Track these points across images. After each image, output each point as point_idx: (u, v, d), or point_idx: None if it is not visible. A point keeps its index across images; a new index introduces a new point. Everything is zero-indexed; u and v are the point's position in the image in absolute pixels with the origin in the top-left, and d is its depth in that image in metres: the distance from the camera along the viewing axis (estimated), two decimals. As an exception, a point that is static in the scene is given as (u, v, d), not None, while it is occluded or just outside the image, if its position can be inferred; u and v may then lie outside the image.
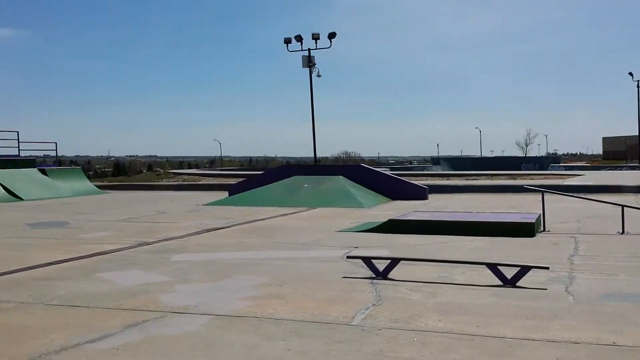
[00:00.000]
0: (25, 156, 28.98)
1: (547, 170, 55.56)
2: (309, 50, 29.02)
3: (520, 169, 51.26)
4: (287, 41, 29.56)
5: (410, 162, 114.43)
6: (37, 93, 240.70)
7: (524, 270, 7.33)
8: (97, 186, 30.60)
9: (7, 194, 24.26)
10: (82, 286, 7.73)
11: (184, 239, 12.22)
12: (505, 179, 30.40)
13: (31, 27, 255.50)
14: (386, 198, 21.77)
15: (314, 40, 29.02)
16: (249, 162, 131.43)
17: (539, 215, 12.69)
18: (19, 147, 28.85)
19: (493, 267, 7.51)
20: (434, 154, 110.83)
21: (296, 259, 9.59)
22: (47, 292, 7.40)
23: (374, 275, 7.86)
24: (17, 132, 28.88)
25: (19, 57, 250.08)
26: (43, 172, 27.95)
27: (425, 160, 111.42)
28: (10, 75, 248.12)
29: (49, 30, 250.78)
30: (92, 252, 10.52)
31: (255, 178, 25.06)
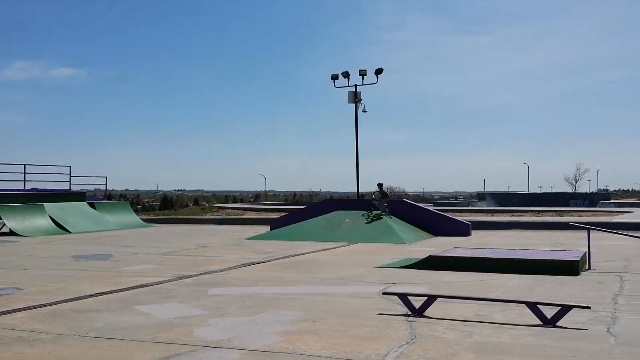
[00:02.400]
0: (76, 190, 29.76)
1: (596, 207, 54.20)
2: (355, 86, 29.25)
3: (568, 206, 50.19)
4: (334, 77, 29.91)
5: (456, 198, 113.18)
6: (91, 128, 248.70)
7: (565, 309, 7.12)
8: (143, 219, 31.14)
9: (55, 227, 24.88)
10: (120, 318, 7.82)
11: (223, 272, 12.30)
12: (552, 215, 29.77)
13: (88, 67, 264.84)
14: (428, 234, 21.55)
15: (360, 77, 29.35)
16: (293, 197, 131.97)
17: (584, 253, 12.37)
18: (70, 181, 29.69)
19: (532, 306, 7.32)
20: (480, 189, 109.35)
21: (333, 294, 9.53)
22: (84, 324, 7.51)
23: (409, 313, 7.75)
24: (70, 166, 29.80)
25: (76, 95, 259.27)
26: (92, 205, 28.63)
27: (470, 195, 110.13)
28: (68, 112, 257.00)
29: (104, 70, 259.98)
30: (132, 285, 10.66)
31: (297, 212, 25.15)
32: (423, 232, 21.62)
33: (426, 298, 7.82)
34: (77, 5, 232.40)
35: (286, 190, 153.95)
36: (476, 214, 32.05)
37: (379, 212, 22.37)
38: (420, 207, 24.79)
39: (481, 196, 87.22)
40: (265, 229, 24.16)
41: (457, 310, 7.93)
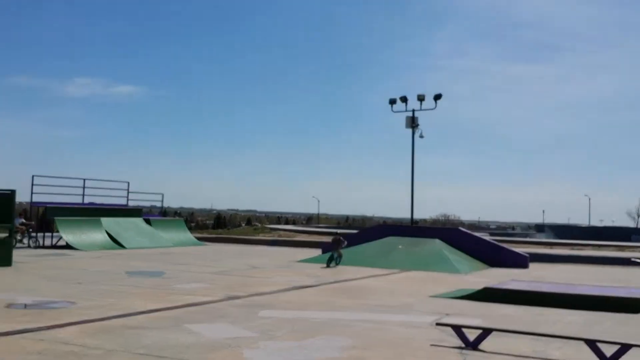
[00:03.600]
0: (133, 206, 30.33)
1: (660, 242, 52.07)
2: (413, 111, 29.09)
3: (630, 240, 48.37)
4: (392, 102, 29.82)
5: (513, 228, 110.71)
6: (149, 145, 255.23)
7: (625, 348, 6.77)
8: (197, 238, 31.47)
9: (111, 241, 25.34)
10: (170, 336, 7.82)
11: (273, 294, 12.23)
12: (613, 250, 28.72)
13: (147, 85, 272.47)
14: (484, 264, 21.04)
15: (418, 102, 29.15)
16: (346, 220, 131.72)
17: (649, 291, 11.81)
18: (127, 197, 30.28)
19: (591, 343, 6.98)
20: (539, 220, 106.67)
21: (384, 322, 9.33)
22: (135, 340, 7.53)
23: (463, 345, 7.49)
24: (128, 182, 30.41)
25: (135, 112, 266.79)
26: (148, 221, 29.08)
27: (528, 226, 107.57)
28: (127, 129, 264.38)
29: (162, 88, 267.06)
30: (184, 303, 10.70)
31: (349, 237, 24.97)
32: (478, 262, 21.12)
33: (481, 331, 7.55)
34: (137, 25, 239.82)
35: (338, 213, 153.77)
36: (534, 245, 31.21)
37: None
38: (476, 236, 24.27)
39: (539, 228, 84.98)
40: (317, 252, 24.05)
41: (513, 345, 7.63)
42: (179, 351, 6.98)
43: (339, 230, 24.97)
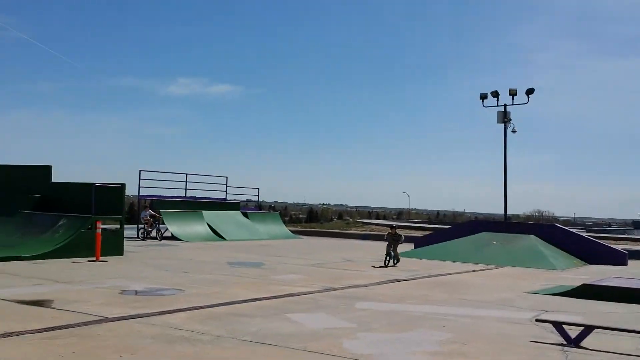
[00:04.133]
0: (231, 200, 31.36)
1: None
2: (505, 105, 28.46)
3: None
4: (483, 97, 29.31)
5: (609, 225, 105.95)
6: (245, 141, 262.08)
7: None
8: (291, 231, 32.13)
9: (212, 233, 26.37)
10: (272, 325, 8.17)
11: (368, 287, 12.44)
12: None
13: (243, 84, 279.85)
14: (580, 261, 20.42)
15: (510, 96, 28.53)
16: (436, 216, 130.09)
17: None
18: (226, 191, 31.32)
19: None
20: (636, 217, 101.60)
21: (482, 317, 9.33)
22: (240, 327, 7.93)
23: (564, 342, 7.41)
24: (226, 177, 31.46)
25: (232, 110, 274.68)
26: (245, 215, 30.02)
27: (625, 223, 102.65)
28: (224, 126, 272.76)
29: (257, 87, 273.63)
30: (283, 293, 11.09)
31: (442, 232, 24.85)
32: (575, 259, 20.52)
33: (583, 328, 7.45)
34: (233, 27, 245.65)
35: (429, 209, 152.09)
36: (633, 242, 29.89)
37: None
38: (572, 232, 23.56)
39: (637, 224, 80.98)
40: (409, 246, 24.06)
41: (615, 342, 7.48)
42: (282, 339, 7.30)
43: (394, 223, 23.42)
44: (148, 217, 24.36)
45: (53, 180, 20.48)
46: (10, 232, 17.92)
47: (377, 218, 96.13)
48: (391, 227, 18.09)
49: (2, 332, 7.20)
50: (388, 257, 17.04)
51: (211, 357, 6.39)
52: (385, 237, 17.57)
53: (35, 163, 21.21)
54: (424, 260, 19.03)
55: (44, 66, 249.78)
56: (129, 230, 22.77)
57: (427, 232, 27.41)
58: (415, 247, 23.33)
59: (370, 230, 37.75)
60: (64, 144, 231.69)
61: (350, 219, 77.93)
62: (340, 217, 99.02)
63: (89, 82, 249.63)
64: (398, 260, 17.19)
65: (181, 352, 6.58)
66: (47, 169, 20.60)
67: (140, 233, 24.62)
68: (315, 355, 6.55)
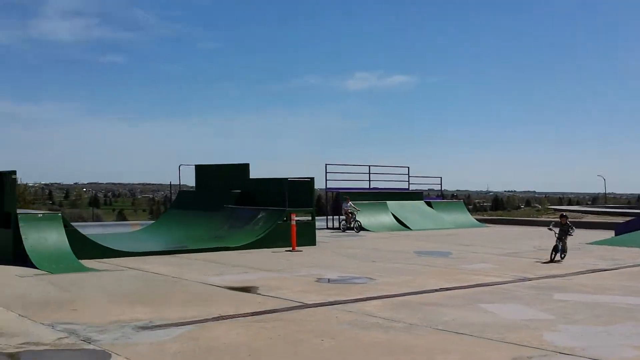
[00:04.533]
0: (413, 189, 31.42)
1: None
2: None
3: None
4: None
5: None
6: (425, 130, 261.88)
7: None
8: (476, 219, 31.47)
9: (397, 223, 26.63)
10: (466, 314, 8.10)
11: (566, 277, 11.85)
12: None
13: (418, 74, 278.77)
14: None
15: None
16: (637, 200, 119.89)
17: None
18: (408, 181, 31.44)
19: None
20: None
21: (699, 311, 8.50)
22: (433, 316, 7.95)
23: None
24: (408, 167, 31.54)
25: (408, 100, 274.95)
26: (429, 204, 29.95)
27: None
28: (402, 116, 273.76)
29: (433, 75, 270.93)
30: (473, 283, 10.93)
31: (646, 218, 22.86)
32: None
33: None
34: (409, 16, 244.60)
35: (628, 192, 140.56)
36: None
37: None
38: None
39: None
40: (608, 234, 22.47)
41: None
42: (477, 329, 7.21)
43: (564, 212, 19.87)
44: (348, 210, 24.91)
45: (250, 176, 21.95)
46: (218, 225, 19.59)
47: (570, 204, 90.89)
48: (561, 215, 15.74)
49: (217, 315, 7.90)
50: (554, 252, 14.34)
51: (406, 345, 6.50)
52: (551, 227, 14.63)
53: (232, 162, 22.88)
54: (627, 248, 17.68)
55: (232, 73, 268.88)
56: (319, 222, 23.63)
57: (628, 218, 25.38)
58: (616, 234, 21.73)
59: (562, 218, 35.79)
60: (258, 141, 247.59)
61: (540, 206, 74.48)
62: (528, 204, 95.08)
63: (276, 85, 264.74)
64: (566, 254, 14.57)
65: (376, 338, 6.77)
66: (245, 167, 22.12)
67: (341, 225, 25.21)
68: (514, 346, 6.40)
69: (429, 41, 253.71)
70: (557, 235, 14.48)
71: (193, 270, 12.49)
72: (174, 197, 25.53)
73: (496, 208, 78.18)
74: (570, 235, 14.68)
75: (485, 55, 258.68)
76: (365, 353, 6.15)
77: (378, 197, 28.39)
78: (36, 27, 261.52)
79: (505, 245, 18.79)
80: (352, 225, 24.61)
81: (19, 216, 13.55)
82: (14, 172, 14.09)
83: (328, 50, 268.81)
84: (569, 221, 14.90)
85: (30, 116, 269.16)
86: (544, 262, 14.23)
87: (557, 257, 14.38)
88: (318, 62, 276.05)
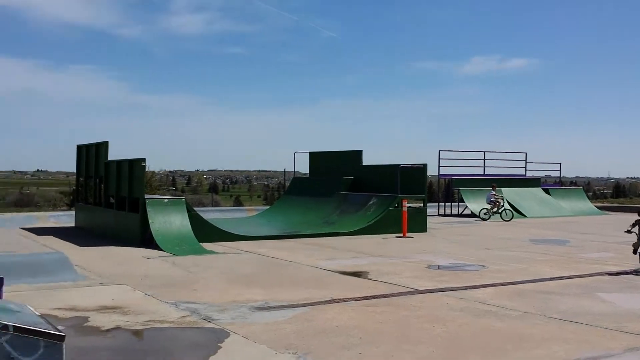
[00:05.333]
0: (530, 176, 30.44)
1: None
2: None
3: None
4: None
5: None
6: (545, 117, 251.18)
7: None
8: (597, 207, 30.10)
9: (512, 210, 25.91)
10: (583, 303, 7.91)
11: (694, 269, 11.19)
12: None
13: (541, 57, 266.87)
14: None
15: None
16: None
17: None
18: (525, 167, 30.48)
19: None
20: None
21: None
22: (548, 305, 7.83)
23: None
24: (525, 153, 30.57)
25: (529, 84, 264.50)
26: (546, 191, 28.93)
27: None
28: (521, 101, 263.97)
29: (557, 58, 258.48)
30: (592, 272, 10.60)
31: None
32: None
33: None
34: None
35: None
36: None
37: None
38: None
39: None
40: None
41: None
42: (594, 318, 7.05)
43: None
44: (492, 199, 24.20)
45: (363, 163, 22.17)
46: (330, 211, 19.97)
47: None
48: (639, 212, 11.45)
49: (329, 299, 8.18)
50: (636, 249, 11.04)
51: (519, 333, 6.47)
52: (631, 228, 11.11)
53: (345, 148, 23.17)
54: None
55: (350, 61, 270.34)
56: (431, 209, 23.46)
57: None
58: None
59: (694, 205, 33.47)
60: (370, 127, 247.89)
61: (670, 193, 69.73)
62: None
63: (393, 70, 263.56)
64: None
65: (489, 325, 6.78)
66: (358, 153, 22.36)
67: (482, 214, 24.23)
68: (632, 336, 6.23)
69: (550, 23, 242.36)
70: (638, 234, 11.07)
71: (305, 255, 12.88)
72: (287, 184, 26.23)
73: (617, 195, 74.01)
74: None
75: (607, 36, 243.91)
76: (478, 340, 6.18)
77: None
78: (165, 22, 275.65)
79: (626, 234, 17.85)
80: (499, 212, 23.70)
81: (147, 202, 14.47)
82: (144, 160, 14.88)
83: (444, 34, 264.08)
84: None
85: (160, 106, 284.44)
86: None
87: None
88: (434, 47, 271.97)
